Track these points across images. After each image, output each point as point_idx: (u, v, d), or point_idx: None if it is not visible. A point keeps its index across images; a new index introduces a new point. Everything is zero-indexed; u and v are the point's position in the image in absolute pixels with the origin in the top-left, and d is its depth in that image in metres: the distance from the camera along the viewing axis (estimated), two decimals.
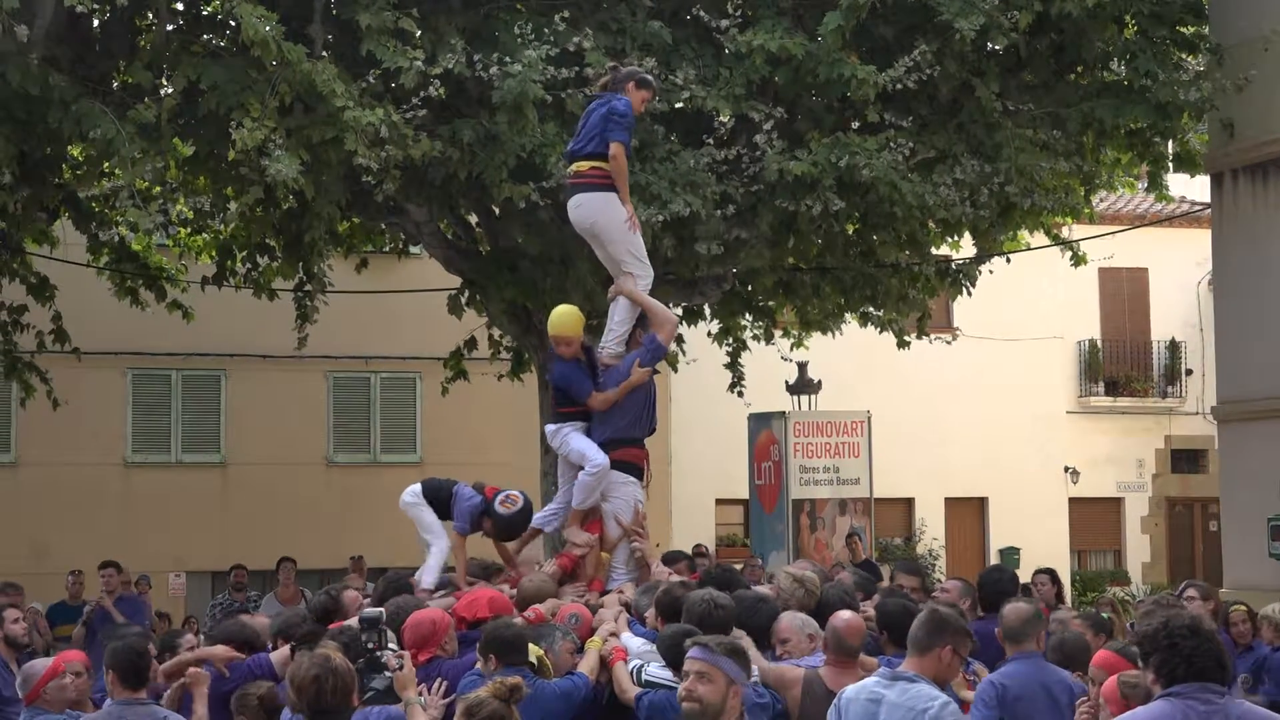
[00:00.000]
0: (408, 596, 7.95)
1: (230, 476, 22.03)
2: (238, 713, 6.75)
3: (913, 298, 16.49)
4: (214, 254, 16.69)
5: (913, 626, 5.87)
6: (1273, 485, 14.87)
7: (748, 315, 17.47)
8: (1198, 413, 26.52)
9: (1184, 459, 28.24)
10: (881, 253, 15.52)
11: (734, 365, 17.88)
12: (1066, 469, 26.89)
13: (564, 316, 8.91)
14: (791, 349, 18.76)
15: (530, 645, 6.77)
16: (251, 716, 6.61)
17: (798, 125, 13.67)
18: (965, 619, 6.41)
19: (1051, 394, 26.96)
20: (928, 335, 18.25)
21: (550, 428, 9.12)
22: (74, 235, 16.68)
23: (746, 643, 6.85)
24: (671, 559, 9.54)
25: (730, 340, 17.82)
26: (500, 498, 8.66)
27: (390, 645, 6.56)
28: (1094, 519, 27.72)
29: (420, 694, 6.28)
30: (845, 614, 6.97)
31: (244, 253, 16.22)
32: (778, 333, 18.13)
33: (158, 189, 14.62)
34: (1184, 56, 14.92)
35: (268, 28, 11.65)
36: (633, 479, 8.85)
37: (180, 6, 14.01)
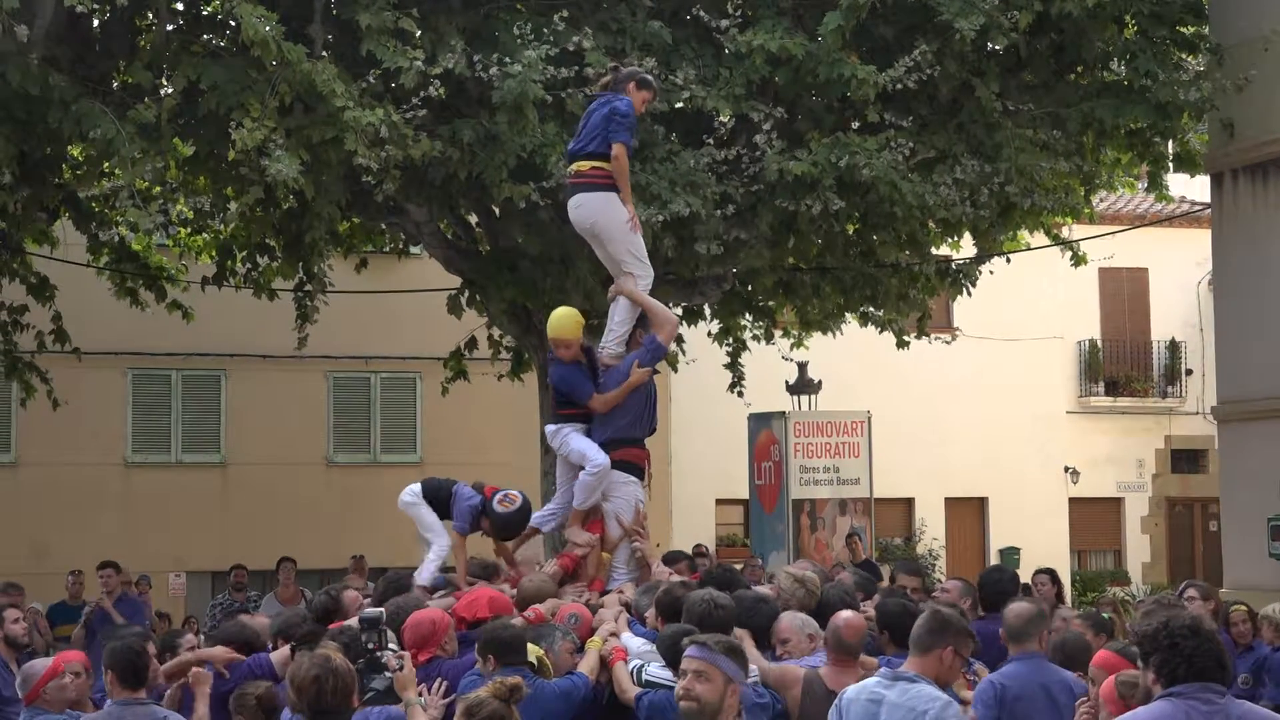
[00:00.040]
0: (408, 596, 7.95)
1: (230, 476, 22.03)
2: (236, 712, 6.75)
3: (913, 298, 16.50)
4: (214, 254, 16.69)
5: (915, 627, 5.87)
6: (1273, 485, 14.87)
7: (748, 315, 17.47)
8: (1198, 413, 26.52)
9: (1184, 459, 28.24)
10: (881, 253, 15.52)
11: (734, 365, 17.88)
12: (1066, 469, 26.89)
13: (563, 319, 8.90)
14: (791, 349, 18.76)
15: (530, 645, 6.77)
16: (249, 716, 6.61)
17: (798, 125, 13.67)
18: (967, 619, 6.41)
19: (1051, 394, 26.96)
20: (928, 335, 18.25)
21: (550, 428, 9.11)
22: (74, 235, 16.68)
23: (746, 642, 6.87)
24: (672, 559, 9.54)
25: (730, 340, 17.83)
26: (499, 497, 8.66)
27: (390, 645, 6.56)
28: (1094, 519, 27.72)
29: (420, 694, 6.28)
30: (846, 613, 6.97)
31: (244, 253, 16.22)
32: (778, 333, 18.14)
33: (158, 189, 14.63)
34: (1184, 56, 14.93)
35: (268, 28, 11.66)
36: (633, 479, 8.85)
37: (180, 6, 14.01)
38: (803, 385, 19.96)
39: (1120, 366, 28.14)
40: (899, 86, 12.99)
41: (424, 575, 8.61)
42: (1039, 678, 6.68)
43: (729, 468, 21.27)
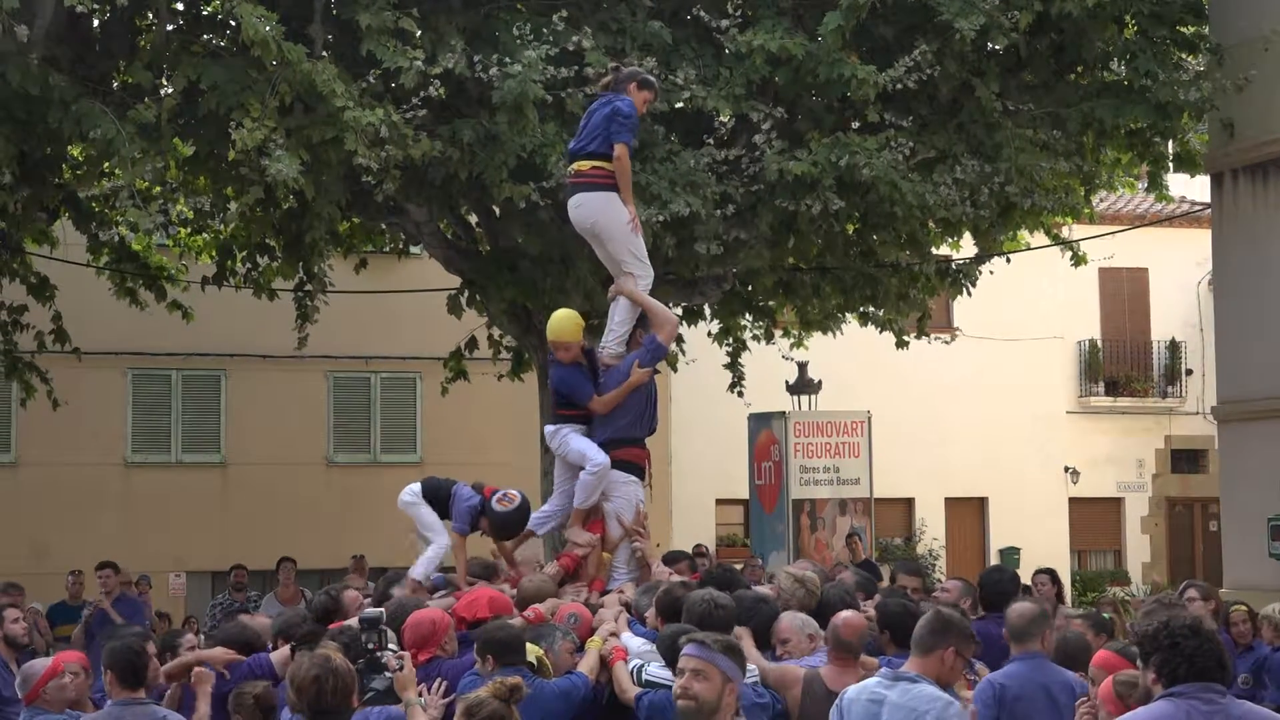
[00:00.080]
0: (408, 596, 7.95)
1: (230, 476, 22.03)
2: (234, 711, 6.75)
3: (913, 298, 16.50)
4: (214, 254, 16.69)
5: (917, 627, 5.87)
6: (1273, 485, 14.87)
7: (748, 315, 17.47)
8: (1198, 413, 26.51)
9: (1184, 459, 28.23)
10: (881, 253, 15.52)
11: (734, 365, 17.88)
12: (1066, 469, 26.89)
13: (562, 322, 8.89)
14: (791, 349, 18.76)
15: (530, 645, 6.77)
16: (247, 715, 6.61)
17: (798, 125, 13.67)
18: (968, 620, 6.40)
19: (1051, 394, 26.96)
20: (928, 335, 18.25)
21: (549, 429, 9.11)
22: (74, 235, 16.68)
23: (746, 642, 6.87)
24: (672, 559, 9.54)
25: (730, 340, 17.83)
26: (497, 496, 8.66)
27: (390, 645, 6.56)
28: (1094, 519, 27.72)
29: (420, 694, 6.28)
30: (847, 613, 6.97)
31: (244, 253, 16.22)
32: (778, 333, 18.13)
33: (158, 189, 14.62)
34: (1184, 56, 14.93)
35: (268, 28, 11.65)
36: (634, 479, 8.85)
37: (180, 6, 14.01)
38: (803, 385, 19.96)
39: (1120, 366, 28.14)
40: (899, 86, 12.99)
41: (417, 569, 8.63)
42: (1039, 678, 6.68)
43: (729, 468, 21.26)
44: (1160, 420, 28.07)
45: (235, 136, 11.79)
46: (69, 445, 20.65)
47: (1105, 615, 9.45)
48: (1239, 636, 10.50)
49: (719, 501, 24.56)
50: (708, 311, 17.19)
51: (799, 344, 18.56)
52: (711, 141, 13.26)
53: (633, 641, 7.15)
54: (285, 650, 7.27)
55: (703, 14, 13.17)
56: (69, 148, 13.75)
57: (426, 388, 21.87)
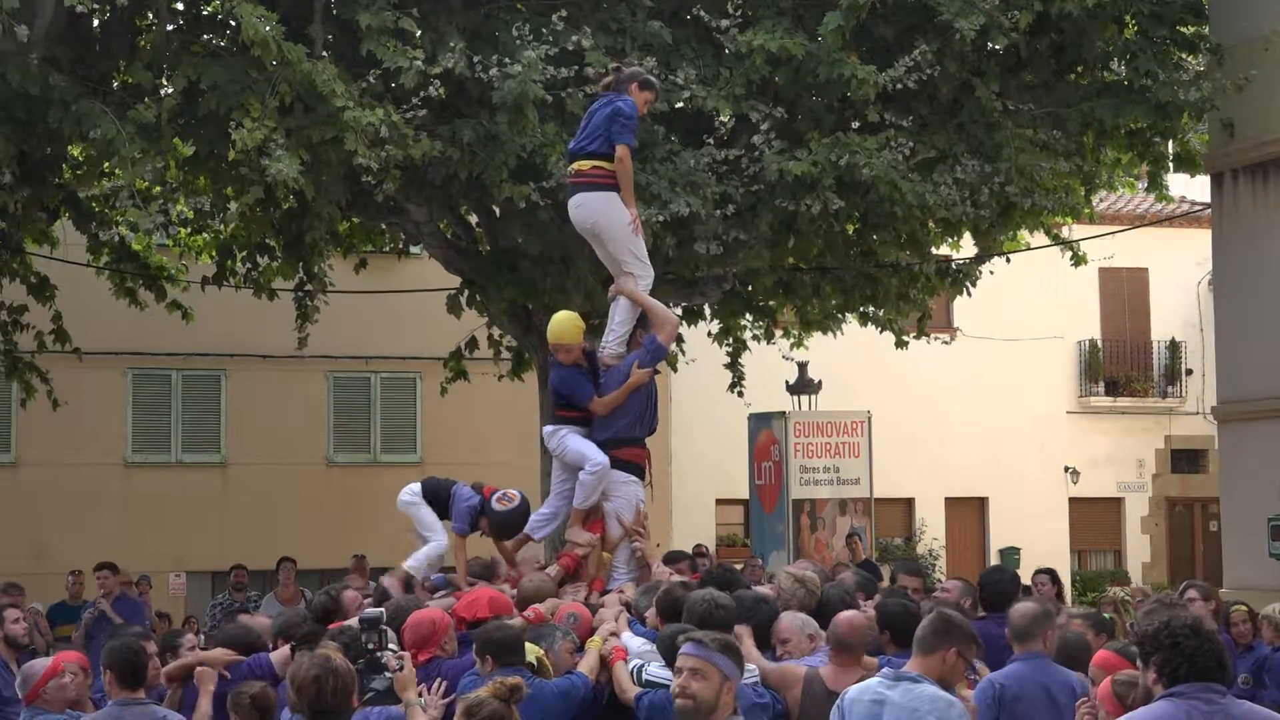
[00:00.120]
0: (408, 596, 7.95)
1: (230, 476, 22.03)
2: (232, 711, 6.75)
3: (913, 298, 16.50)
4: (214, 254, 16.68)
5: (919, 628, 5.87)
6: (1273, 485, 14.87)
7: (748, 315, 17.47)
8: (1198, 413, 26.51)
9: (1184, 459, 28.23)
10: (881, 253, 15.52)
11: (734, 365, 17.88)
12: (1066, 469, 26.88)
13: (563, 323, 8.89)
14: (791, 349, 18.76)
15: (529, 645, 6.77)
16: (244, 715, 6.60)
17: (798, 125, 13.67)
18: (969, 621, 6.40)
19: (1051, 394, 26.96)
20: (928, 335, 18.25)
21: (547, 429, 9.10)
22: (74, 235, 16.68)
23: (747, 641, 6.87)
24: (673, 559, 9.54)
25: (730, 340, 17.83)
26: (497, 495, 8.67)
27: (390, 646, 6.55)
28: (1094, 519, 27.72)
29: (420, 694, 6.28)
30: (849, 613, 6.97)
31: (244, 253, 16.21)
32: (778, 333, 18.13)
33: (158, 189, 14.62)
34: (1184, 56, 14.93)
35: (268, 28, 11.65)
36: (634, 478, 8.85)
37: (180, 6, 14.01)
38: (803, 385, 19.96)
39: (1120, 366, 28.14)
40: (899, 86, 12.98)
41: (410, 561, 8.66)
42: (1040, 678, 6.67)
43: (729, 468, 21.26)
44: (1160, 420, 28.07)
45: (235, 136, 11.79)
46: (69, 445, 20.65)
47: (1105, 615, 9.45)
48: (1239, 637, 10.49)
49: (719, 501, 24.56)
50: (708, 311, 17.19)
51: (799, 344, 18.56)
52: (711, 141, 13.25)
53: (633, 641, 7.15)
54: (285, 650, 7.28)
55: (703, 14, 13.16)
56: (69, 148, 13.75)
57: (426, 388, 21.87)
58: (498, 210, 14.51)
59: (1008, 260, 18.07)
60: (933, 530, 25.99)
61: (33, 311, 16.57)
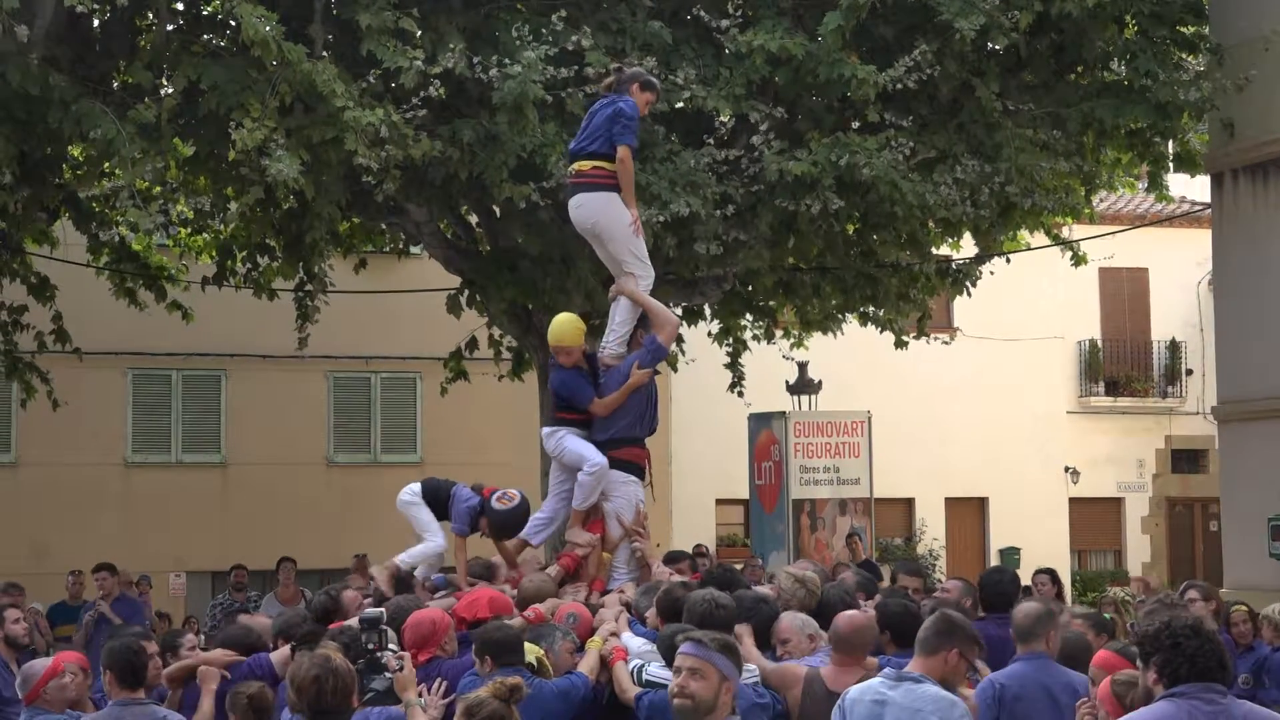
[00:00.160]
0: (408, 596, 7.95)
1: (230, 476, 22.03)
2: (230, 711, 6.75)
3: (913, 298, 16.51)
4: (214, 254, 16.68)
5: (922, 628, 5.87)
6: (1273, 485, 14.87)
7: (748, 315, 17.47)
8: (1198, 413, 26.52)
9: (1184, 459, 28.23)
10: (882, 253, 15.52)
11: (734, 365, 17.88)
12: (1067, 469, 26.88)
13: (563, 326, 8.89)
14: (792, 349, 18.76)
15: (529, 645, 6.76)
16: (241, 715, 6.61)
17: (798, 125, 13.67)
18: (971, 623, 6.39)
19: (1052, 394, 26.96)
20: (927, 335, 18.24)
21: (546, 431, 9.10)
22: (74, 235, 16.68)
23: (747, 640, 6.86)
24: (673, 559, 9.53)
25: (730, 340, 17.83)
26: (497, 495, 8.67)
27: (391, 646, 6.55)
28: (1094, 519, 27.72)
29: (420, 694, 6.28)
30: (851, 612, 6.97)
31: (244, 253, 16.21)
32: (778, 333, 18.14)
33: (158, 189, 14.62)
34: (1184, 56, 14.93)
35: (268, 28, 11.65)
36: (634, 478, 8.85)
37: (180, 6, 14.01)
38: (803, 385, 19.95)
39: (1120, 366, 28.14)
40: (899, 86, 12.98)
41: (404, 556, 8.67)
42: (1042, 678, 6.64)
43: (729, 468, 21.26)
44: (1160, 420, 28.07)
45: (235, 136, 11.79)
46: (69, 445, 20.65)
47: (1106, 615, 9.44)
48: (1239, 637, 10.49)
49: (719, 501, 24.56)
50: (708, 311, 17.19)
51: (799, 344, 18.56)
52: (711, 141, 13.25)
53: (633, 641, 7.15)
54: (285, 650, 7.27)
55: (703, 14, 13.16)
56: (69, 148, 13.75)
57: (426, 388, 21.87)
58: (498, 210, 14.51)
59: (1008, 260, 18.07)
60: (933, 530, 25.99)
61: (33, 311, 16.57)
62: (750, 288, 16.33)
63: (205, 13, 13.82)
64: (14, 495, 20.80)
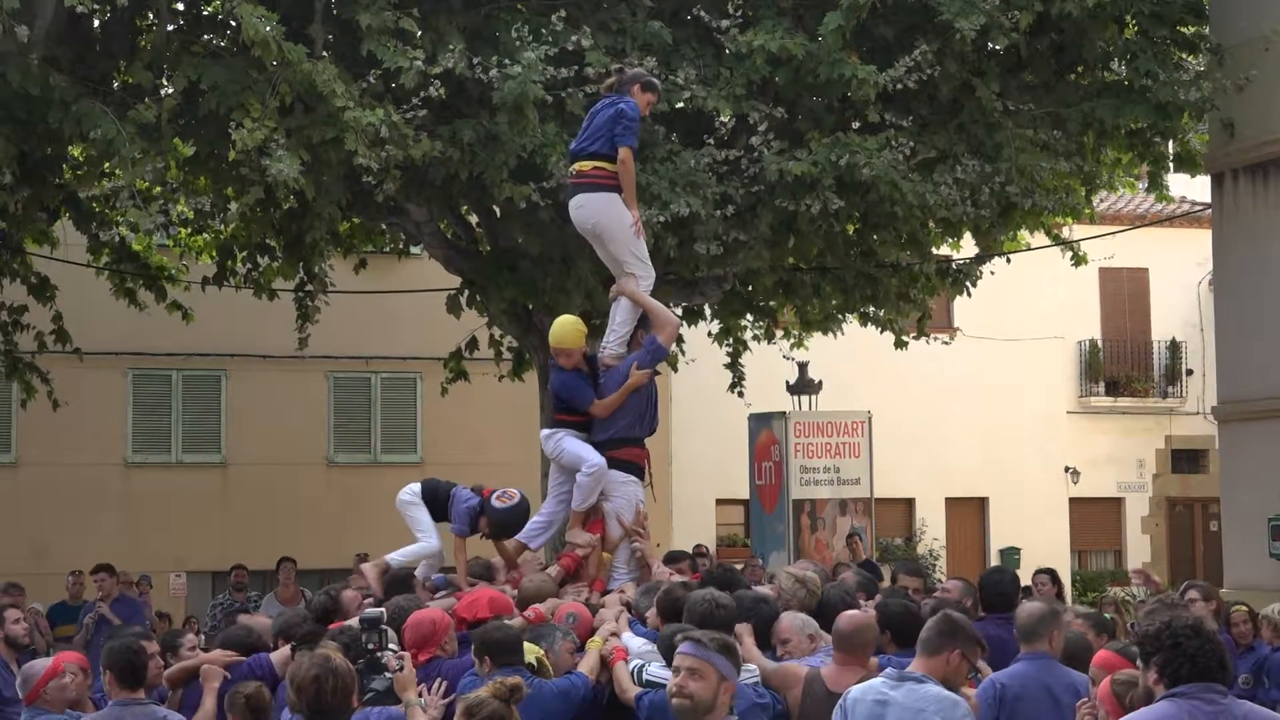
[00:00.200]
0: (408, 596, 7.95)
1: (230, 476, 22.03)
2: (229, 710, 6.76)
3: (913, 298, 16.51)
4: (214, 254, 16.68)
5: (924, 628, 5.87)
6: (1273, 485, 14.87)
7: (748, 315, 17.48)
8: (1198, 413, 26.52)
9: (1184, 459, 28.23)
10: (882, 253, 15.52)
11: (734, 365, 17.88)
12: (1067, 469, 26.88)
13: (564, 328, 8.89)
14: (792, 349, 18.76)
15: (529, 645, 6.76)
16: (239, 715, 6.61)
17: (798, 125, 13.67)
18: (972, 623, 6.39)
19: (1052, 394, 26.96)
20: (927, 335, 18.25)
21: (544, 432, 9.11)
22: (74, 235, 16.68)
23: (748, 640, 6.86)
24: (673, 559, 9.53)
25: (730, 340, 17.83)
26: (496, 494, 8.68)
27: (391, 646, 6.55)
28: (1094, 519, 27.72)
29: (420, 694, 6.27)
30: (854, 612, 6.96)
31: (244, 253, 16.21)
32: (778, 333, 18.14)
33: (158, 189, 14.62)
34: (1184, 56, 14.93)
35: (268, 28, 11.65)
36: (633, 478, 8.85)
37: (180, 6, 14.01)
38: (803, 385, 19.95)
39: (1120, 366, 28.14)
40: (899, 86, 12.98)
41: (394, 554, 8.66)
42: (1044, 678, 6.62)
43: (729, 468, 21.26)
44: (1160, 420, 28.07)
45: (235, 136, 11.79)
46: (69, 445, 20.65)
47: (1106, 615, 9.44)
48: (1240, 637, 10.48)
49: (719, 501, 24.56)
50: (708, 311, 17.19)
51: (799, 344, 18.56)
52: (711, 141, 13.25)
53: (633, 641, 7.15)
54: (285, 650, 7.28)
55: (703, 14, 13.16)
56: (69, 148, 13.75)
57: (426, 388, 21.87)
58: (498, 210, 14.51)
59: (1008, 260, 18.07)
60: (933, 530, 25.99)
61: (33, 311, 16.57)
62: (750, 288, 16.32)
63: (205, 13, 13.82)
64: (14, 495, 20.80)
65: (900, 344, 17.47)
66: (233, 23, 12.71)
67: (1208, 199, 17.11)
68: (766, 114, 13.13)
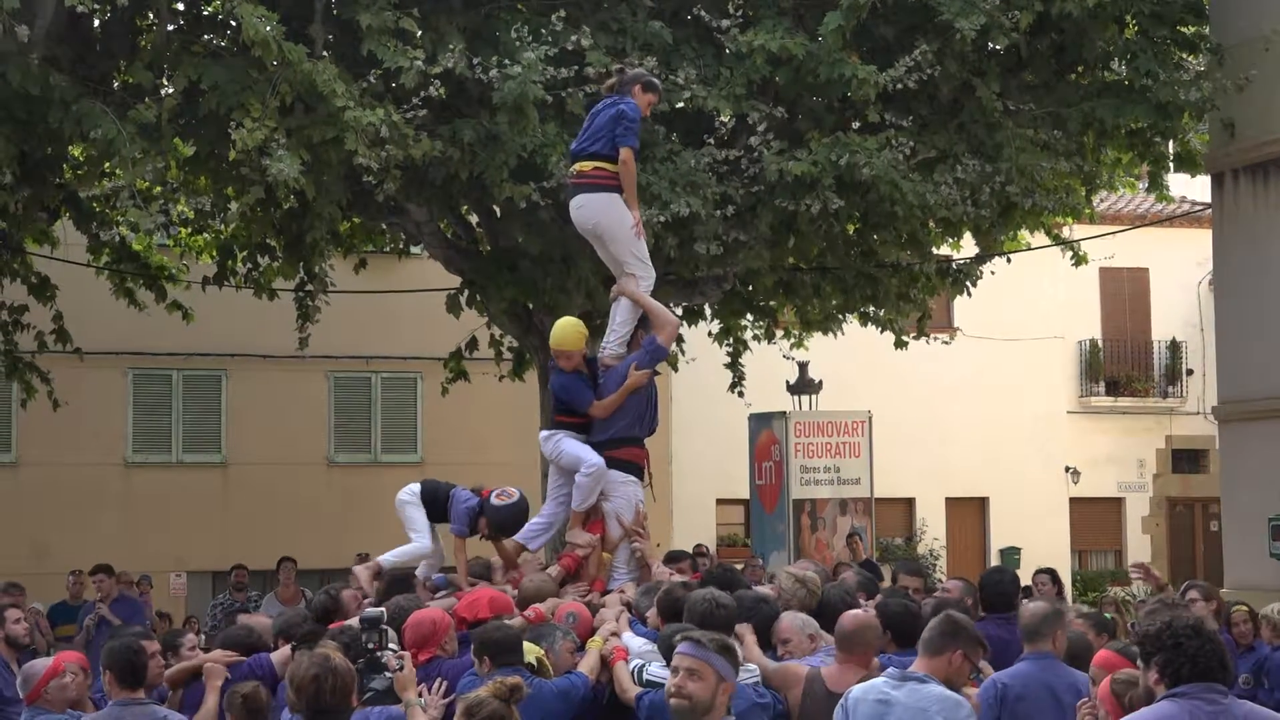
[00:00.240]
0: (408, 596, 7.95)
1: (231, 476, 22.03)
2: (227, 710, 6.76)
3: (913, 298, 16.51)
4: (214, 254, 16.68)
5: (927, 629, 5.87)
6: (1273, 485, 14.87)
7: (748, 315, 17.48)
8: (1198, 413, 26.52)
9: (1184, 459, 28.23)
10: (882, 252, 15.52)
11: (734, 365, 17.88)
12: (1067, 469, 26.88)
13: (565, 330, 8.89)
14: (792, 349, 18.76)
15: (529, 645, 6.76)
16: (237, 715, 6.61)
17: (798, 125, 13.67)
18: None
19: (1052, 394, 26.96)
20: (928, 335, 18.25)
21: (543, 434, 9.10)
22: (74, 235, 16.67)
23: (748, 639, 6.86)
24: (673, 559, 9.54)
25: (730, 340, 17.83)
26: (496, 493, 8.68)
27: (391, 645, 6.55)
28: (1095, 519, 27.72)
29: (420, 694, 6.27)
30: (856, 611, 6.96)
31: (245, 253, 16.21)
32: (778, 333, 18.14)
33: (158, 189, 14.62)
34: (1184, 56, 14.93)
35: (268, 28, 11.65)
36: (633, 478, 8.85)
37: (181, 6, 14.01)
38: (803, 385, 19.95)
39: (1121, 366, 28.14)
40: (899, 86, 12.98)
41: (387, 556, 8.69)
42: (1046, 678, 6.61)
43: (729, 468, 21.26)
44: (1161, 420, 28.07)
45: (235, 136, 11.79)
46: (69, 445, 20.65)
47: (1107, 615, 9.44)
48: (1240, 637, 10.48)
49: (719, 501, 24.55)
50: (708, 311, 17.19)
51: (799, 344, 18.56)
52: (711, 141, 13.25)
53: (634, 641, 7.15)
54: (285, 650, 7.28)
55: (703, 14, 13.16)
56: (69, 148, 13.76)
57: (427, 388, 21.87)
58: (498, 210, 14.51)
59: (1008, 260, 18.07)
60: (933, 530, 25.99)
61: (33, 311, 16.57)
62: (750, 288, 16.32)
63: (205, 13, 13.83)
64: (14, 495, 20.80)
65: (900, 344, 17.47)
66: (233, 23, 12.71)
67: (1208, 199, 17.12)
68: (766, 114, 13.13)
